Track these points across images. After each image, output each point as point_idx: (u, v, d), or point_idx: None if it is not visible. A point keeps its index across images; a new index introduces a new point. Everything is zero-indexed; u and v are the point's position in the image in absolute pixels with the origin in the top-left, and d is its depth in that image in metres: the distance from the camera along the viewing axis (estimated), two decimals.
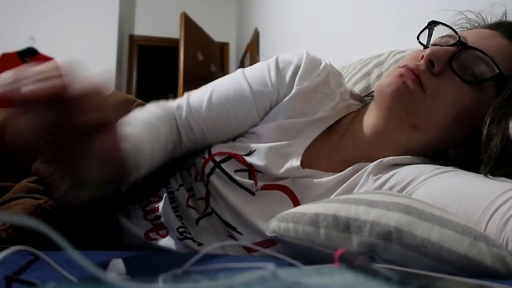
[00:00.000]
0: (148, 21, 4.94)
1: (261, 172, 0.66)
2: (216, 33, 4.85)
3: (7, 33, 3.89)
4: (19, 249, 0.31)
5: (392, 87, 0.61)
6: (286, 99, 0.70)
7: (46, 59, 3.94)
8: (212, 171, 0.66)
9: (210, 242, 0.67)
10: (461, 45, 0.61)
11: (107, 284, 0.22)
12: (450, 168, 0.58)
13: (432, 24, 0.68)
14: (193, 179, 0.70)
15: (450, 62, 0.60)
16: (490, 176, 0.53)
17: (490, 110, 0.57)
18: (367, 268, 0.25)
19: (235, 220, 0.64)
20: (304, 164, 0.68)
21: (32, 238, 0.48)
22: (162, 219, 0.70)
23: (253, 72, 0.72)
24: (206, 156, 0.68)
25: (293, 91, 0.69)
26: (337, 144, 0.70)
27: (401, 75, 0.61)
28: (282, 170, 0.66)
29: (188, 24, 4.19)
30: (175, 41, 4.30)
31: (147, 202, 0.73)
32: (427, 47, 0.65)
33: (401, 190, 0.58)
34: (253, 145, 0.68)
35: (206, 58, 4.55)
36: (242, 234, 0.63)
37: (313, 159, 0.69)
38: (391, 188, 0.59)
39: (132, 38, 4.87)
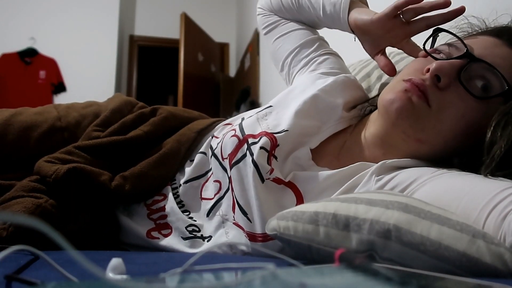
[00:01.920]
0: (148, 22, 4.94)
1: (275, 157, 0.66)
2: (216, 34, 4.85)
3: (7, 33, 3.89)
4: (19, 249, 0.31)
5: (397, 105, 0.61)
6: (335, 77, 0.76)
7: (46, 59, 3.95)
8: (245, 155, 0.65)
9: (219, 235, 0.67)
10: (468, 57, 0.60)
11: (107, 284, 0.22)
12: (452, 169, 0.58)
13: (437, 31, 0.67)
14: (220, 158, 0.69)
15: (459, 75, 0.60)
16: (489, 177, 0.53)
17: (497, 115, 0.57)
18: (367, 268, 0.25)
19: (246, 204, 0.64)
20: (314, 150, 0.70)
21: (33, 237, 0.48)
22: (168, 218, 0.70)
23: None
24: (239, 134, 0.67)
25: (344, 75, 0.78)
26: (343, 145, 0.71)
27: (406, 91, 0.60)
28: (293, 154, 0.68)
29: (188, 24, 4.19)
30: (175, 42, 4.30)
31: (152, 201, 0.73)
32: (432, 56, 0.64)
33: (402, 191, 0.58)
34: (284, 123, 0.69)
35: (206, 58, 4.55)
36: (251, 222, 0.63)
37: (319, 154, 0.70)
38: (392, 189, 0.59)
39: (132, 38, 4.87)
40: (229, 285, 0.23)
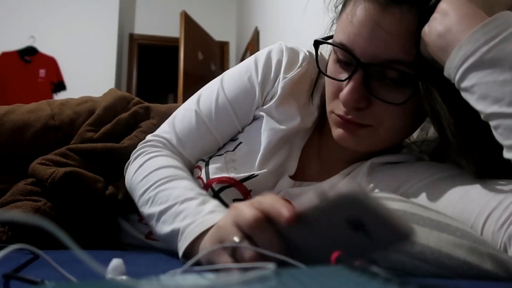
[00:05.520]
0: (148, 20, 4.93)
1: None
2: (216, 32, 4.84)
3: (7, 32, 3.89)
4: (19, 248, 0.31)
5: (346, 141, 0.59)
6: (274, 100, 0.66)
7: (46, 58, 3.94)
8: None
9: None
10: (360, 66, 0.54)
11: (107, 284, 0.22)
12: (440, 171, 0.56)
13: (317, 45, 0.61)
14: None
15: (369, 90, 0.55)
16: (480, 179, 0.52)
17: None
18: (366, 269, 0.25)
19: None
20: (296, 172, 0.67)
21: (31, 240, 0.48)
22: None
23: (232, 81, 0.68)
24: (204, 177, 0.65)
25: (279, 89, 0.66)
26: (325, 146, 0.69)
27: (341, 125, 0.58)
28: (275, 189, 0.66)
29: (188, 23, 4.18)
30: (175, 40, 4.30)
31: None
32: (334, 79, 0.59)
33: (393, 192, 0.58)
34: (253, 166, 0.66)
35: (206, 57, 4.54)
36: None
37: (301, 172, 0.68)
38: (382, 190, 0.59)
39: (132, 37, 4.86)
40: (229, 285, 0.23)
